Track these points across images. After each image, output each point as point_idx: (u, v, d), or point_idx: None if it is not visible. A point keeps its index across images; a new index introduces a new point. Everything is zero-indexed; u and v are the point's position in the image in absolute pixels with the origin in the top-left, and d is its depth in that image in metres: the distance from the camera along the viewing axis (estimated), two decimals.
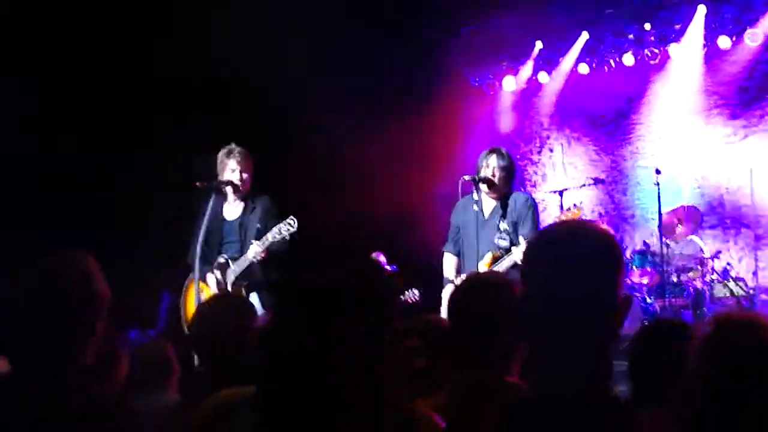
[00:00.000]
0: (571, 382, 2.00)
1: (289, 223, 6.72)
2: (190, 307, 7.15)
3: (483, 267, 6.78)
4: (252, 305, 4.00)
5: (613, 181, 12.24)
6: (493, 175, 7.00)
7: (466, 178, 7.10)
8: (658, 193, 9.41)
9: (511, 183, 7.18)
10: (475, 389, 2.89)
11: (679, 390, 2.54)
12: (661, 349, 3.29)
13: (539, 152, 13.10)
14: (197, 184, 6.97)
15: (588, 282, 2.02)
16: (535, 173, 13.06)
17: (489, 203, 7.14)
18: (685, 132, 11.81)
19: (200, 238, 6.71)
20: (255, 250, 6.81)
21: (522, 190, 12.35)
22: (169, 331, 9.11)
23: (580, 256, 2.04)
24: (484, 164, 7.07)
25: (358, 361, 2.07)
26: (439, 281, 7.39)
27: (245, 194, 7.19)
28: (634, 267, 9.89)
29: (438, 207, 7.83)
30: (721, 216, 11.36)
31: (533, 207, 7.10)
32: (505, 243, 6.83)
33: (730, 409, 2.30)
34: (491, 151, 7.16)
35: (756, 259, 10.46)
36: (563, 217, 7.04)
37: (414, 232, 8.78)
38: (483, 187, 7.04)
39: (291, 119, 10.28)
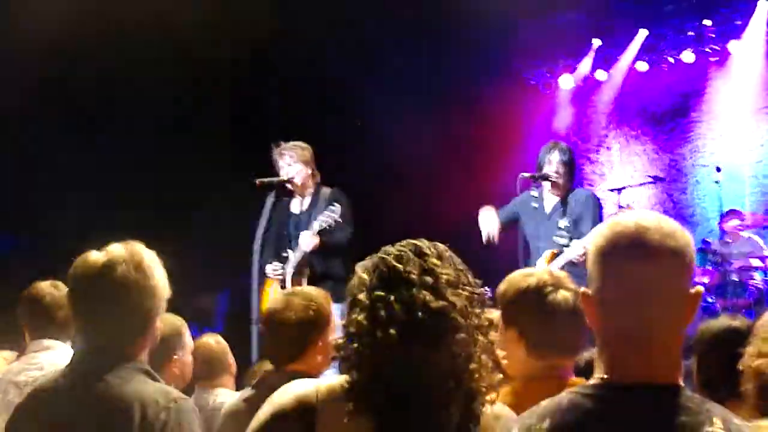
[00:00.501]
0: (645, 370, 2.02)
1: (331, 209, 6.78)
2: (264, 304, 7.20)
3: (542, 264, 6.71)
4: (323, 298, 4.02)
5: (672, 180, 12.11)
6: (557, 171, 6.99)
7: (525, 175, 7.14)
8: (719, 191, 9.30)
9: (572, 178, 7.19)
10: (543, 385, 2.90)
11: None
12: (723, 353, 3.27)
13: (597, 151, 13.00)
14: (256, 182, 7.03)
15: (664, 273, 2.03)
16: (594, 172, 12.97)
17: (550, 200, 7.12)
18: (746, 130, 11.66)
19: (259, 236, 6.78)
20: (306, 240, 6.86)
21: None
22: (228, 329, 9.22)
23: (656, 248, 2.05)
24: (547, 160, 7.06)
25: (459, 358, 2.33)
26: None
27: (314, 187, 7.23)
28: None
29: (497, 206, 7.81)
30: None
31: (595, 204, 7.06)
32: (564, 241, 6.75)
33: None
34: (553, 146, 7.18)
35: None
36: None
37: (474, 232, 8.73)
38: (545, 184, 7.01)
39: (360, 119, 10.36)
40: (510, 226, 7.32)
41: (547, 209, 7.11)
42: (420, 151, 10.69)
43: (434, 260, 2.43)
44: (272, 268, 7.15)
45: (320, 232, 6.94)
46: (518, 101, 12.64)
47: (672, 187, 12.16)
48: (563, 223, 6.86)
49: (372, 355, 2.33)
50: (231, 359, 5.32)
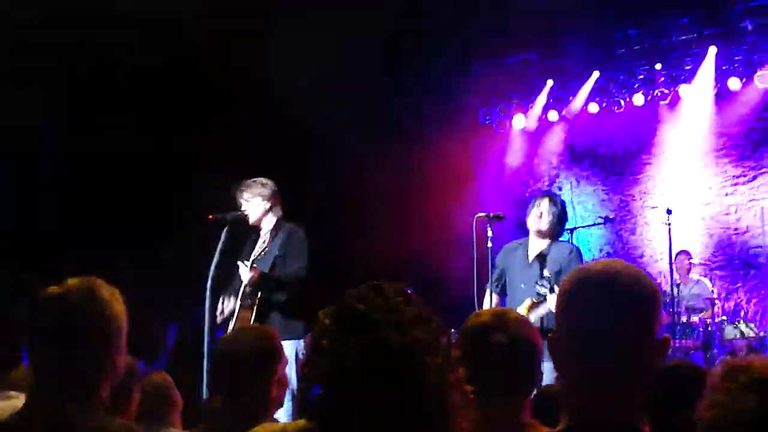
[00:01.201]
0: (606, 414, 2.02)
1: (291, 238, 6.80)
2: None
3: (522, 312, 6.54)
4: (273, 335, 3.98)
5: (622, 221, 12.24)
6: (548, 222, 7.00)
7: (481, 215, 7.17)
8: (669, 233, 9.39)
9: (559, 231, 7.18)
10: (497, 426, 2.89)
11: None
12: (679, 392, 3.28)
13: (548, 190, 13.10)
14: (210, 216, 6.97)
15: (629, 319, 2.05)
16: None
17: (535, 248, 7.08)
18: (695, 172, 11.83)
19: (211, 270, 6.70)
20: (243, 272, 6.83)
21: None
22: (177, 365, 9.11)
23: (622, 295, 2.06)
24: (536, 206, 7.10)
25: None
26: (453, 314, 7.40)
27: (275, 223, 7.19)
28: None
29: (450, 242, 7.84)
30: (731, 257, 11.35)
31: (578, 258, 7.00)
32: (544, 290, 6.66)
33: None
34: (544, 196, 7.25)
35: (766, 300, 10.45)
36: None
37: (427, 265, 8.85)
38: (531, 233, 7.08)
39: (313, 151, 10.36)
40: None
41: (530, 257, 7.07)
42: (375, 186, 10.70)
43: (397, 299, 2.40)
44: (220, 305, 7.08)
45: (273, 266, 6.91)
46: (472, 140, 12.74)
47: (622, 227, 12.28)
48: (546, 273, 6.79)
49: (340, 401, 2.29)
50: (177, 396, 5.24)
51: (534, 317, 6.56)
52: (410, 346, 2.29)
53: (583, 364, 2.08)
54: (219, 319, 7.06)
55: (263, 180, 7.19)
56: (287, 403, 6.43)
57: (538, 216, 7.03)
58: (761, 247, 10.87)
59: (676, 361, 3.93)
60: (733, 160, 11.65)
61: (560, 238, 7.30)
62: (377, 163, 10.71)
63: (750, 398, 2.66)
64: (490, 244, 7.11)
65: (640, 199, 12.28)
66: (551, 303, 6.50)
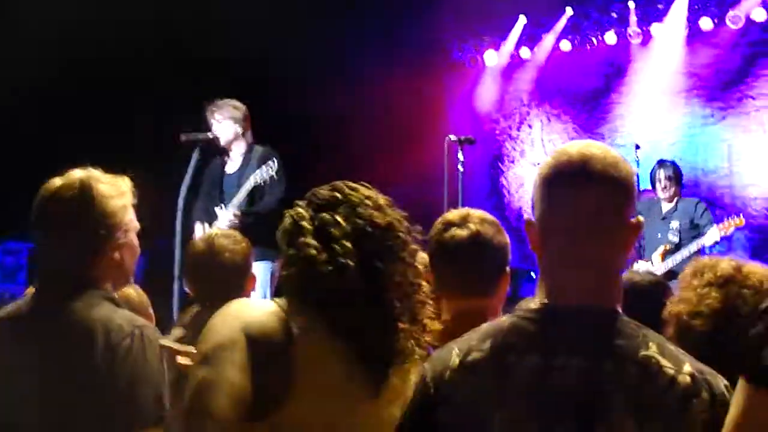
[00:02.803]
0: (587, 294, 2.06)
1: (269, 164, 6.74)
2: None
3: (656, 257, 8.28)
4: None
5: None
6: (664, 187, 8.57)
7: (452, 138, 7.29)
8: (637, 167, 9.44)
9: (680, 189, 8.74)
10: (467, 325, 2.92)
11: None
12: (647, 304, 3.34)
13: (519, 128, 13.13)
14: (181, 137, 6.91)
15: (607, 201, 2.08)
16: (514, 149, 13.10)
17: (666, 205, 8.65)
18: (665, 112, 11.89)
19: (182, 193, 6.67)
20: (223, 217, 6.80)
21: (501, 164, 12.49)
22: (147, 289, 9.09)
23: (600, 176, 2.09)
24: (656, 178, 8.71)
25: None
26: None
27: (246, 146, 7.15)
28: None
29: (422, 172, 7.87)
30: (697, 196, 11.42)
31: (704, 208, 8.56)
32: (675, 239, 8.26)
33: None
34: (658, 166, 8.80)
35: (731, 240, 10.55)
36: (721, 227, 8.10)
37: (400, 194, 8.80)
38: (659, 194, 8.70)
39: (287, 88, 10.30)
40: None
41: (663, 212, 8.57)
42: (343, 122, 10.67)
43: (367, 191, 2.47)
44: (201, 229, 7.05)
45: (251, 196, 6.87)
46: (443, 76, 12.72)
47: None
48: (675, 224, 8.29)
49: (330, 273, 2.33)
50: (151, 311, 5.25)
51: (670, 262, 8.11)
52: (389, 223, 2.35)
53: (560, 246, 2.11)
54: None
55: (235, 102, 7.15)
56: None
57: (662, 187, 8.56)
58: (728, 187, 10.97)
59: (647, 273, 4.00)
60: (702, 100, 11.71)
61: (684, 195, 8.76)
62: (347, 99, 10.68)
63: (713, 293, 2.74)
64: (461, 168, 7.16)
65: (610, 137, 12.31)
66: (683, 252, 8.08)
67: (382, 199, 2.51)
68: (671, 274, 7.82)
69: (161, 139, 7.68)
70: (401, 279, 2.41)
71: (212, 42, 10.02)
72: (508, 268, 3.08)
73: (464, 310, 2.95)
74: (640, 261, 8.39)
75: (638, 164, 9.48)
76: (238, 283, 3.78)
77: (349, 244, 2.34)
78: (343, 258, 2.33)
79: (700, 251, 8.15)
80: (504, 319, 2.15)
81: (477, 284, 3.02)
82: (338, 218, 2.39)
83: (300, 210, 2.46)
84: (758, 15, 11.04)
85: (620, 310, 2.11)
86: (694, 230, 8.21)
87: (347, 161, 10.61)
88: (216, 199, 7.09)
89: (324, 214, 2.40)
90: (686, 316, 2.73)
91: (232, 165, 7.20)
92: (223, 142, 7.09)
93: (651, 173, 8.75)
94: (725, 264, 2.81)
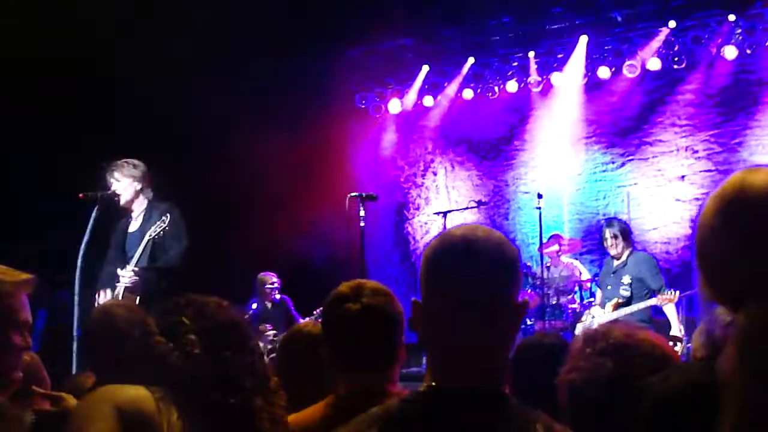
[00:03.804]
0: (472, 377, 2.03)
1: (163, 219, 6.68)
2: None
3: (608, 309, 8.73)
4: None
5: (495, 205, 12.42)
6: (611, 245, 8.83)
7: (353, 195, 7.31)
8: (540, 217, 9.58)
9: (628, 243, 8.88)
10: (361, 400, 2.88)
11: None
12: (542, 360, 3.33)
13: (423, 175, 13.22)
14: (81, 195, 6.80)
15: (491, 283, 2.06)
16: (419, 196, 13.17)
17: (618, 260, 8.89)
18: (565, 159, 12.09)
19: (82, 250, 6.55)
20: (124, 276, 6.69)
21: (407, 211, 12.54)
22: (45, 347, 8.89)
23: (480, 256, 2.07)
24: (603, 236, 8.97)
25: None
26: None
27: (146, 204, 7.04)
28: None
29: (324, 225, 7.85)
30: (599, 241, 11.61)
31: (653, 264, 8.85)
32: (626, 293, 8.65)
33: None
34: (604, 225, 9.09)
35: None
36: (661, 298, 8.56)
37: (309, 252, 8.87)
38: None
39: (190, 135, 10.18)
40: None
41: (614, 266, 8.88)
42: (250, 171, 10.59)
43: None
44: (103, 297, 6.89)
45: (152, 253, 6.77)
46: (349, 124, 12.77)
47: (495, 212, 12.48)
48: (626, 279, 8.61)
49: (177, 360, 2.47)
50: (45, 375, 5.12)
51: (617, 315, 8.53)
52: (234, 320, 2.58)
53: (446, 328, 2.08)
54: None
55: (134, 161, 7.04)
56: None
57: (608, 245, 8.84)
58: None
59: (541, 332, 4.01)
60: (602, 147, 11.95)
61: (636, 249, 9.12)
62: (254, 149, 10.62)
63: (607, 362, 2.75)
64: (362, 224, 7.17)
65: (513, 184, 12.49)
66: (632, 307, 8.54)
67: (224, 302, 2.71)
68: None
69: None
70: (250, 367, 2.59)
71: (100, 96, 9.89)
72: (402, 338, 3.05)
73: (360, 383, 2.92)
74: (595, 307, 9.01)
75: (540, 212, 9.62)
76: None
77: (194, 337, 2.52)
78: (189, 347, 2.54)
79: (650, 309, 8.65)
80: (392, 403, 2.12)
81: (371, 358, 2.99)
82: (184, 318, 2.58)
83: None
84: (653, 64, 11.34)
85: (507, 390, 2.10)
86: (642, 284, 8.64)
87: (252, 212, 10.56)
88: (121, 261, 6.96)
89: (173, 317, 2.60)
90: (580, 383, 2.73)
91: (134, 224, 7.09)
92: (123, 201, 6.97)
93: (599, 232, 9.18)
94: (617, 332, 2.82)
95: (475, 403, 2.00)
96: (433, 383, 2.07)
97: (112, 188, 6.94)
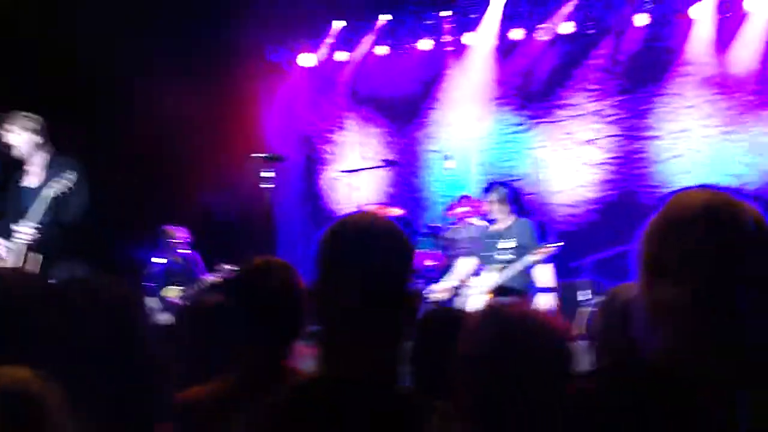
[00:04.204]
0: (362, 368, 2.01)
1: (68, 176, 6.50)
2: None
3: (492, 274, 8.58)
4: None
5: (405, 164, 12.41)
6: (493, 210, 8.78)
7: (257, 155, 7.28)
8: (447, 177, 9.62)
9: (513, 209, 8.81)
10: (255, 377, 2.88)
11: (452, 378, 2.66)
12: (438, 337, 3.32)
13: (334, 132, 13.13)
14: None
15: (384, 273, 2.04)
16: (330, 152, 13.09)
17: (502, 224, 8.81)
18: (476, 120, 12.13)
19: None
20: (23, 232, 6.51)
21: (317, 167, 12.48)
22: None
23: (373, 247, 2.06)
24: (488, 199, 8.87)
25: None
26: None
27: (46, 158, 6.83)
28: (422, 249, 10.02)
29: (232, 183, 7.75)
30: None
31: (533, 229, 8.73)
32: (508, 258, 8.51)
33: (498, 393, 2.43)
34: (488, 190, 8.93)
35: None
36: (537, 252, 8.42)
37: (211, 204, 8.75)
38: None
39: (94, 88, 9.93)
40: None
41: (499, 230, 8.73)
42: (158, 126, 10.39)
43: None
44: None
45: (52, 209, 6.58)
46: (259, 77, 12.60)
47: (405, 170, 12.45)
48: (508, 244, 8.52)
49: None
50: None
51: (501, 279, 8.44)
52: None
53: (337, 316, 2.07)
54: None
55: (31, 114, 6.82)
56: None
57: (492, 209, 8.78)
58: (535, 194, 11.29)
59: (434, 309, 4.01)
60: (512, 109, 12.01)
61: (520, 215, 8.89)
62: (162, 105, 10.41)
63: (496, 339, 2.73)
64: (269, 184, 7.10)
65: (423, 143, 12.49)
66: (512, 268, 8.42)
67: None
68: (502, 288, 8.37)
69: None
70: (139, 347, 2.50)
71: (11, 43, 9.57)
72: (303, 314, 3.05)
73: (256, 359, 2.92)
74: (481, 273, 8.83)
75: (449, 173, 9.67)
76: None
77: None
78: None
79: (526, 269, 8.47)
80: (284, 390, 2.10)
81: (269, 333, 2.98)
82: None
83: None
84: (566, 28, 11.41)
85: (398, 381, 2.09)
86: (523, 250, 8.54)
87: (158, 169, 10.38)
88: (17, 215, 6.75)
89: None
90: (471, 357, 2.71)
91: (33, 179, 6.87)
92: (21, 154, 6.76)
93: (484, 194, 9.02)
94: (509, 308, 2.82)
95: (365, 392, 1.98)
96: (322, 371, 2.05)
97: (9, 141, 6.73)
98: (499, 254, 8.57)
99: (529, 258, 8.39)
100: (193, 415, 2.81)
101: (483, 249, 8.82)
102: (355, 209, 9.86)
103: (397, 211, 10.25)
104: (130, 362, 2.52)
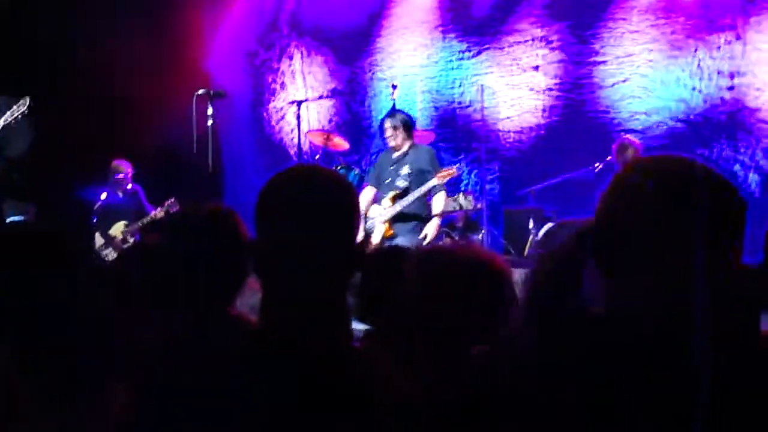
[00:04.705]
0: (299, 322, 2.00)
1: (19, 106, 6.40)
2: None
3: (386, 202, 8.38)
4: None
5: (351, 92, 12.33)
6: (390, 135, 8.51)
7: (201, 92, 7.22)
8: (393, 106, 9.57)
9: (409, 135, 8.54)
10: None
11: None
12: (380, 274, 3.31)
13: (279, 60, 13.00)
14: None
15: (322, 229, 2.01)
16: (274, 81, 12.97)
17: (399, 151, 8.56)
18: (422, 47, 12.05)
19: None
20: None
21: (262, 97, 12.36)
22: None
23: (314, 202, 2.03)
24: (383, 126, 8.64)
25: None
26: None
27: None
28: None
29: (175, 116, 7.65)
30: (454, 130, 11.73)
31: (433, 156, 8.56)
32: (404, 184, 8.34)
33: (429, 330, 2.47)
34: (385, 117, 8.73)
35: (482, 173, 10.90)
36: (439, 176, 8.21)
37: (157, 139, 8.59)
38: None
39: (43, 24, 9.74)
40: None
41: (394, 157, 8.52)
42: (104, 64, 10.22)
43: None
44: None
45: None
46: (202, 6, 12.40)
47: (350, 99, 12.39)
48: (404, 170, 8.32)
49: None
50: None
51: (398, 206, 8.24)
52: None
53: (275, 270, 2.04)
54: None
55: None
56: None
57: (388, 135, 8.51)
58: (481, 121, 11.27)
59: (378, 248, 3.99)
60: (458, 36, 11.93)
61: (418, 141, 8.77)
62: (106, 36, 10.24)
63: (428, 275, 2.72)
64: (210, 122, 7.03)
65: (370, 70, 12.40)
66: (411, 196, 8.25)
67: None
68: (401, 215, 8.27)
69: None
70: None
71: None
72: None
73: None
74: (373, 205, 8.56)
75: (395, 103, 9.62)
76: None
77: None
78: None
79: (428, 195, 8.37)
80: (223, 341, 2.09)
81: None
82: None
83: None
84: None
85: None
86: (422, 176, 8.35)
87: (105, 106, 10.24)
88: None
89: None
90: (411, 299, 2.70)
91: None
92: None
93: (380, 123, 8.79)
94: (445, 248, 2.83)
95: (299, 351, 1.96)
96: (262, 326, 2.04)
97: None
98: (397, 181, 8.43)
99: (429, 184, 8.24)
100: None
101: (384, 176, 8.59)
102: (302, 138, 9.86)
103: (341, 143, 10.21)
104: (74, 312, 2.46)
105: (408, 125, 8.57)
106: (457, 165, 8.38)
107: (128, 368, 2.64)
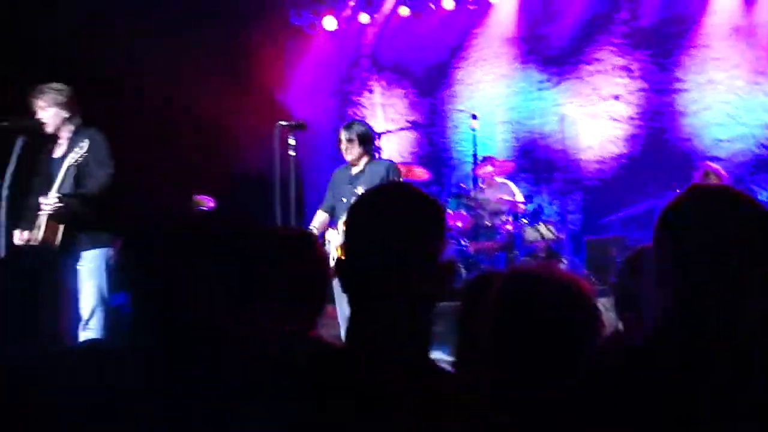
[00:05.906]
0: (389, 344, 2.00)
1: (80, 145, 6.48)
2: None
3: (341, 225, 7.25)
4: None
5: (431, 124, 12.37)
6: (345, 148, 7.70)
7: (282, 124, 7.25)
8: (474, 137, 9.59)
9: (367, 150, 7.80)
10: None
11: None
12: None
13: (360, 93, 13.10)
14: (2, 123, 6.56)
15: (409, 246, 2.02)
16: (356, 114, 13.06)
17: (355, 168, 7.80)
18: (502, 78, 12.06)
19: (7, 179, 6.38)
20: (48, 203, 6.49)
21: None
22: None
23: (402, 219, 2.04)
24: (339, 138, 7.80)
25: None
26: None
27: (74, 129, 6.81)
28: (449, 210, 10.01)
29: (257, 152, 7.75)
30: (534, 161, 11.68)
31: (394, 171, 7.75)
32: None
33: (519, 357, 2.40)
34: (341, 128, 7.87)
35: (564, 203, 10.85)
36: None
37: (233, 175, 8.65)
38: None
39: (114, 57, 9.92)
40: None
41: (352, 174, 7.77)
42: (183, 95, 10.39)
43: None
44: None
45: (76, 182, 6.57)
46: (282, 42, 12.56)
47: (431, 131, 12.43)
48: (360, 189, 7.27)
49: None
50: None
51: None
52: None
53: (365, 289, 2.05)
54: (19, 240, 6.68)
55: (58, 86, 6.77)
56: (100, 313, 6.33)
57: (343, 149, 7.72)
58: (562, 151, 11.21)
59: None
60: (538, 66, 11.92)
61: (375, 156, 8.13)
62: (187, 72, 10.40)
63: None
64: (293, 153, 7.10)
65: (449, 103, 12.44)
66: None
67: None
68: None
69: None
70: None
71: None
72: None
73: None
74: (330, 230, 7.90)
75: (475, 134, 9.63)
76: None
77: None
78: None
79: None
80: (309, 360, 2.12)
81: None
82: None
83: None
84: None
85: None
86: None
87: (183, 138, 10.38)
88: (46, 188, 6.74)
89: None
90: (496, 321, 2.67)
91: (59, 150, 6.86)
92: (49, 129, 6.74)
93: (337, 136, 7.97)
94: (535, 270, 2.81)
95: (385, 368, 1.97)
96: (345, 347, 2.06)
97: (38, 116, 6.71)
98: (352, 201, 7.74)
99: None
100: None
101: (339, 195, 7.85)
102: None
103: (422, 173, 10.23)
104: None
105: (365, 138, 7.84)
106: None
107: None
